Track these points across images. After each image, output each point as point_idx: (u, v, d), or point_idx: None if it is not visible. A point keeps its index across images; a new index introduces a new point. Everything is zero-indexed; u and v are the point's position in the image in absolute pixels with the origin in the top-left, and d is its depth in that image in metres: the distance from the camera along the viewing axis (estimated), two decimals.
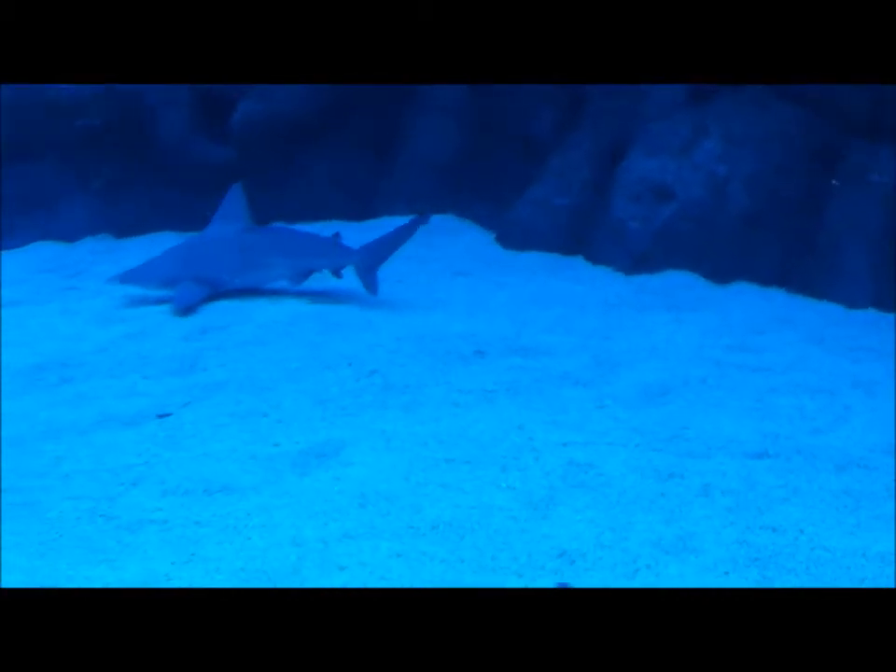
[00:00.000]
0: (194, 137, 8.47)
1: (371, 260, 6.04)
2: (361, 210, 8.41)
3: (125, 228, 8.29)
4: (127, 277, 6.04)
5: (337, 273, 6.12)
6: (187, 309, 5.72)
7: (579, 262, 7.04)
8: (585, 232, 7.17)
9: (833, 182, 6.19)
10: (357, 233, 7.87)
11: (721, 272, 6.50)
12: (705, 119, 6.86)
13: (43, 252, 7.51)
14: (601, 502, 3.59)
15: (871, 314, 6.01)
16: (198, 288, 5.88)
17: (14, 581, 2.97)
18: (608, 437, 4.14)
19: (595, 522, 3.44)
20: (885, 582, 3.12)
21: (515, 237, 7.48)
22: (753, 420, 4.42)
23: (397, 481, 3.68)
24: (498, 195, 7.79)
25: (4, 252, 7.27)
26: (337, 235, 6.14)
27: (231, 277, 6.03)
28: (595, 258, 7.00)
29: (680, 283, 6.51)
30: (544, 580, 3.07)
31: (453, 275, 6.72)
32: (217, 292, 5.97)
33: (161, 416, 4.32)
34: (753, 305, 6.16)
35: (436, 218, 8.06)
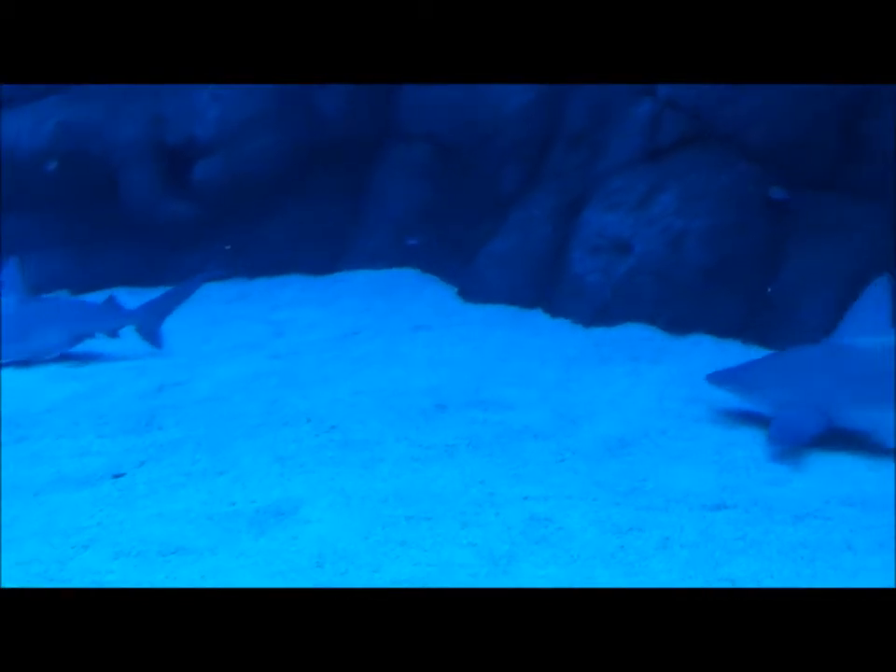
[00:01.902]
0: (158, 195, 8.49)
1: (151, 319, 6.24)
2: (327, 265, 8.46)
3: (86, 284, 8.25)
4: None
5: (113, 334, 6.26)
6: None
7: (539, 315, 7.10)
8: (545, 286, 7.25)
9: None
10: (324, 286, 7.93)
11: (679, 324, 6.58)
12: (661, 174, 7.00)
13: None
14: (562, 557, 3.57)
15: None
16: None
17: None
18: (568, 490, 4.14)
19: (556, 577, 3.41)
20: None
21: (477, 291, 7.55)
22: (712, 472, 4.44)
23: (355, 539, 3.64)
24: (462, 250, 7.87)
25: None
26: (112, 299, 6.33)
27: (7, 347, 5.97)
28: (554, 310, 7.06)
29: (639, 335, 6.57)
30: None
31: (413, 329, 6.74)
32: None
33: (115, 476, 4.26)
34: (711, 357, 6.23)
35: (399, 273, 8.15)
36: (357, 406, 5.10)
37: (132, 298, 7.09)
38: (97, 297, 6.74)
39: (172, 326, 6.57)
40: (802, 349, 5.24)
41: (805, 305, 6.40)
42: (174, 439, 4.65)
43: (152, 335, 6.21)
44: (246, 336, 6.56)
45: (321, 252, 8.48)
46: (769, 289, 6.23)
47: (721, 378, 5.14)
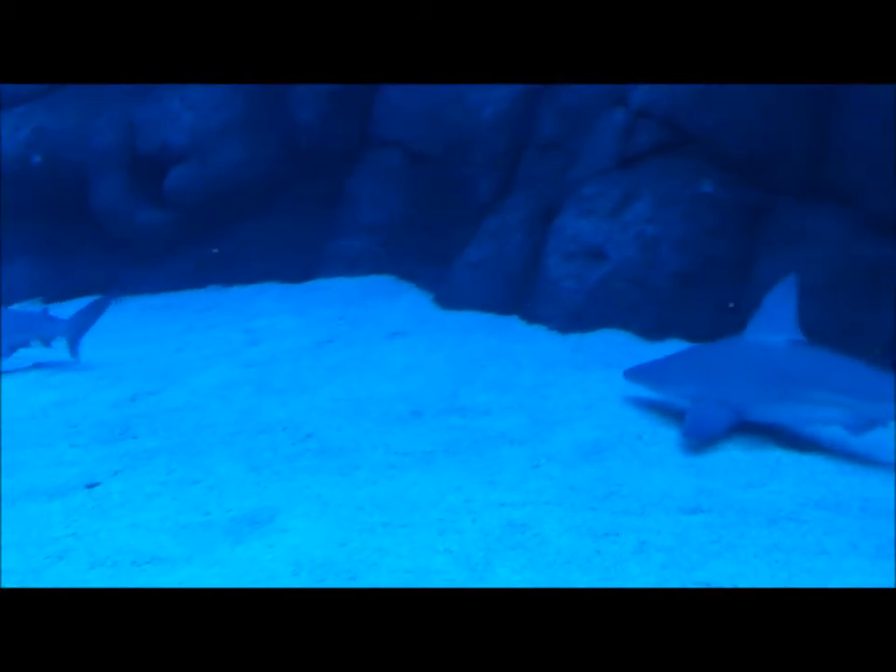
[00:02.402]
0: (132, 202, 8.45)
1: (75, 330, 6.26)
2: (302, 273, 8.44)
3: (62, 293, 8.19)
4: None
5: (47, 343, 6.31)
6: None
7: (515, 322, 7.12)
8: (521, 292, 7.27)
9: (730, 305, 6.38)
10: (300, 294, 7.91)
11: (653, 329, 6.62)
12: (635, 181, 7.04)
13: None
14: (538, 562, 3.58)
15: None
16: None
17: None
18: (544, 496, 4.15)
19: (533, 582, 3.42)
20: None
21: (453, 297, 7.56)
22: (687, 476, 4.46)
23: (332, 547, 3.63)
24: (438, 257, 7.89)
25: None
26: (46, 310, 6.41)
27: None
28: (530, 317, 7.09)
29: (615, 340, 6.61)
30: None
31: (390, 336, 6.73)
32: None
33: (89, 486, 4.22)
34: None
35: (375, 280, 8.15)
36: (334, 413, 5.09)
37: (113, 305, 7.04)
38: (65, 306, 6.70)
39: (144, 335, 6.55)
40: (713, 346, 5.44)
41: None
42: (148, 448, 4.62)
43: (75, 345, 6.26)
44: (222, 344, 6.53)
45: (297, 260, 8.46)
46: (731, 304, 6.27)
47: (636, 374, 5.30)
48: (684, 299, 6.69)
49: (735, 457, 4.69)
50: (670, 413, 5.28)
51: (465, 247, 7.71)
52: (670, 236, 6.79)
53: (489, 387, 5.62)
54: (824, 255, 6.39)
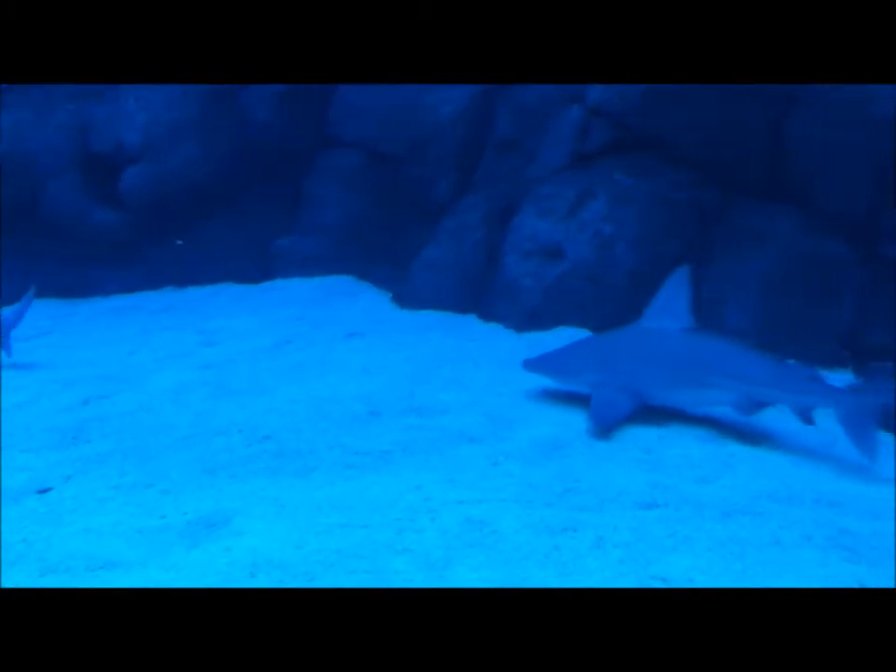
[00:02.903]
0: (86, 203, 8.31)
1: (5, 328, 6.15)
2: (259, 273, 8.37)
3: (14, 296, 8.04)
4: None
5: None
6: None
7: (472, 320, 7.13)
8: (479, 291, 7.28)
9: None
10: (257, 294, 7.85)
11: (610, 327, 6.65)
12: (591, 180, 7.08)
13: None
14: (496, 559, 3.59)
15: None
16: None
17: None
18: (502, 493, 4.16)
19: (491, 580, 3.42)
20: None
21: (411, 297, 7.55)
22: (643, 471, 4.50)
23: (289, 549, 3.60)
24: (396, 257, 7.87)
25: None
26: None
27: None
28: (488, 315, 7.10)
29: (571, 338, 6.63)
30: None
31: (348, 336, 6.70)
32: None
33: (41, 491, 4.14)
34: None
35: (333, 280, 8.10)
36: (291, 415, 5.05)
37: (63, 307, 6.97)
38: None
39: (98, 338, 6.47)
40: (610, 334, 5.65)
41: (730, 306, 6.55)
42: (101, 451, 4.55)
43: (6, 343, 6.11)
44: (177, 346, 6.45)
45: (253, 260, 8.39)
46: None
47: (535, 364, 5.47)
48: (640, 297, 6.73)
49: (689, 452, 4.74)
50: None
51: (423, 247, 7.70)
52: (626, 235, 6.84)
53: (447, 386, 5.62)
54: (778, 253, 6.49)
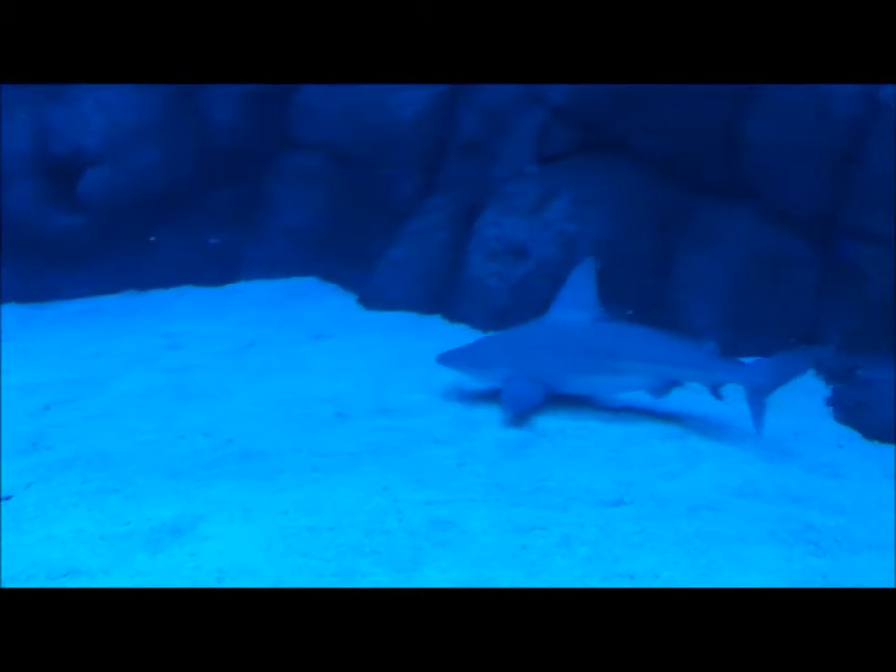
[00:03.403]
0: (45, 207, 8.19)
1: None
2: (223, 275, 8.30)
3: None
4: None
5: None
6: None
7: (438, 321, 7.13)
8: (444, 292, 7.28)
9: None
10: (221, 297, 7.79)
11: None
12: (555, 180, 7.11)
13: None
14: (464, 560, 3.59)
15: None
16: None
17: None
18: (469, 493, 4.16)
19: (459, 580, 3.42)
20: None
21: (377, 298, 7.53)
22: (610, 469, 4.53)
23: (256, 553, 3.58)
24: (362, 258, 7.84)
25: None
26: None
27: None
28: (453, 316, 7.10)
29: None
30: None
31: (313, 338, 6.66)
32: None
33: (1, 500, 4.07)
34: None
35: (298, 282, 8.06)
36: (257, 418, 5.01)
37: (24, 312, 6.86)
38: None
39: (59, 343, 6.38)
40: (520, 328, 5.80)
41: (691, 305, 6.61)
42: (63, 458, 4.49)
43: None
44: (140, 350, 6.37)
45: (217, 263, 8.31)
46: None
47: (448, 358, 5.51)
48: (604, 296, 6.77)
49: (654, 449, 4.78)
50: (589, 409, 5.35)
51: (388, 248, 7.69)
52: (590, 234, 6.87)
53: (413, 387, 5.61)
54: (738, 252, 6.55)
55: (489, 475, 4.38)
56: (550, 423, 5.09)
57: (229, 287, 8.10)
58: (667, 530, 3.86)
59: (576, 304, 5.36)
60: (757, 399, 4.86)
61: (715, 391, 5.07)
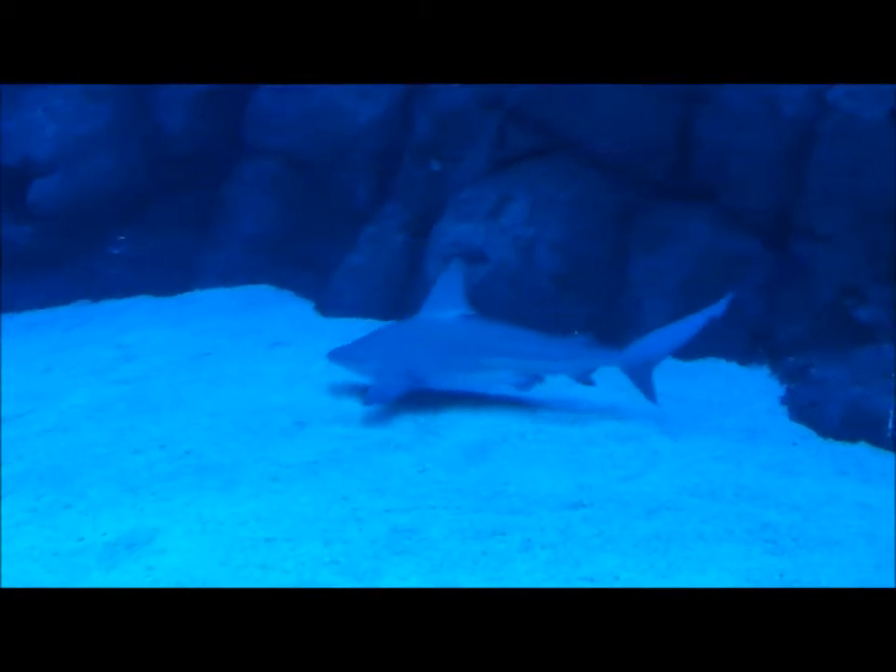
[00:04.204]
0: None
1: None
2: (177, 284, 8.20)
3: None
4: None
5: None
6: None
7: None
8: (402, 297, 7.25)
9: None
10: (176, 306, 7.69)
11: (535, 330, 6.69)
12: (511, 184, 7.13)
13: None
14: (425, 567, 3.58)
15: (669, 362, 6.31)
16: None
17: None
18: (430, 500, 4.15)
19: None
20: None
21: (334, 305, 7.49)
22: (570, 472, 4.54)
23: (213, 565, 3.53)
24: (318, 265, 7.80)
25: None
26: None
27: None
28: None
29: None
30: None
31: (270, 346, 6.60)
32: None
33: None
34: None
35: (254, 290, 7.99)
36: (213, 428, 4.95)
37: None
38: None
39: (10, 355, 6.25)
40: (395, 325, 6.17)
41: (647, 306, 6.66)
42: (15, 473, 4.39)
43: None
44: (93, 362, 6.27)
45: (171, 272, 8.20)
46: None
47: (335, 355, 5.71)
48: (561, 299, 6.81)
49: (612, 451, 4.80)
50: (548, 412, 5.36)
51: (345, 254, 7.65)
52: (546, 238, 6.90)
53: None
54: (692, 252, 6.61)
55: (450, 481, 4.37)
56: (511, 426, 5.09)
57: (184, 295, 8.00)
58: (627, 532, 3.88)
59: (445, 302, 5.60)
60: (638, 376, 5.20)
61: (586, 379, 5.32)
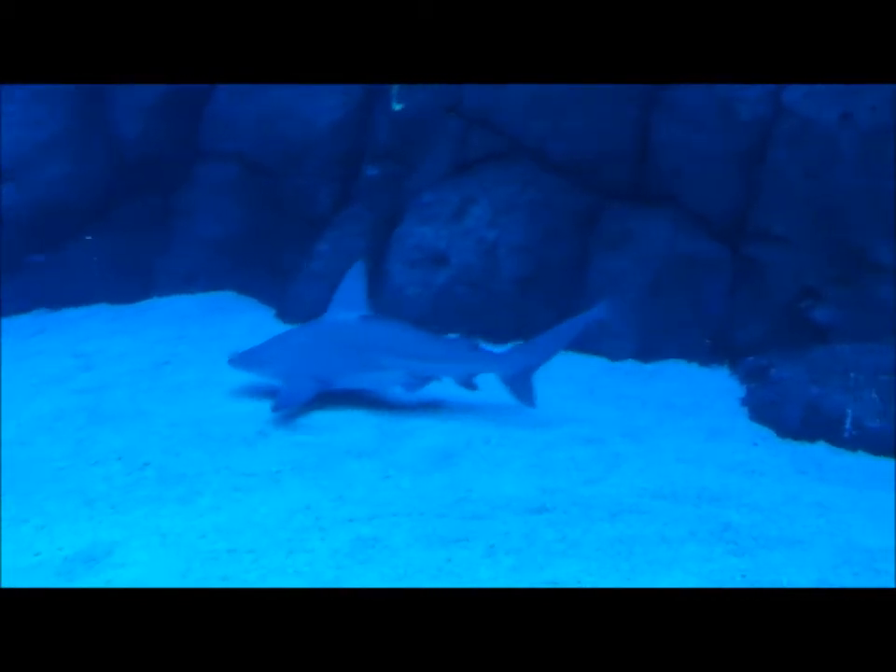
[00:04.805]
0: None
1: None
2: (136, 292, 8.09)
3: None
4: None
5: None
6: None
7: None
8: None
9: None
10: (135, 314, 7.60)
11: (496, 333, 6.70)
12: (473, 188, 7.13)
13: None
14: (388, 575, 3.56)
15: (630, 364, 6.38)
16: None
17: None
18: (393, 508, 4.13)
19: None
20: None
21: (296, 311, 7.43)
22: (533, 476, 4.55)
23: (173, 578, 3.49)
24: (280, 271, 7.74)
25: None
26: None
27: None
28: None
29: None
30: None
31: (231, 354, 6.52)
32: None
33: None
34: None
35: (214, 297, 7.90)
36: (174, 438, 4.89)
37: None
38: None
39: None
40: (300, 327, 6.17)
41: None
42: None
43: None
44: (50, 371, 6.16)
45: (130, 279, 8.09)
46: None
47: (239, 360, 5.75)
48: (524, 302, 6.82)
49: (575, 455, 4.81)
50: (513, 416, 5.36)
51: (306, 259, 7.60)
52: (508, 241, 6.91)
53: (334, 401, 5.54)
54: (652, 254, 6.65)
55: (413, 488, 4.36)
56: (475, 431, 5.08)
57: (143, 303, 7.89)
58: (590, 535, 3.89)
59: (348, 304, 5.66)
60: (514, 383, 5.26)
61: (468, 382, 5.34)
